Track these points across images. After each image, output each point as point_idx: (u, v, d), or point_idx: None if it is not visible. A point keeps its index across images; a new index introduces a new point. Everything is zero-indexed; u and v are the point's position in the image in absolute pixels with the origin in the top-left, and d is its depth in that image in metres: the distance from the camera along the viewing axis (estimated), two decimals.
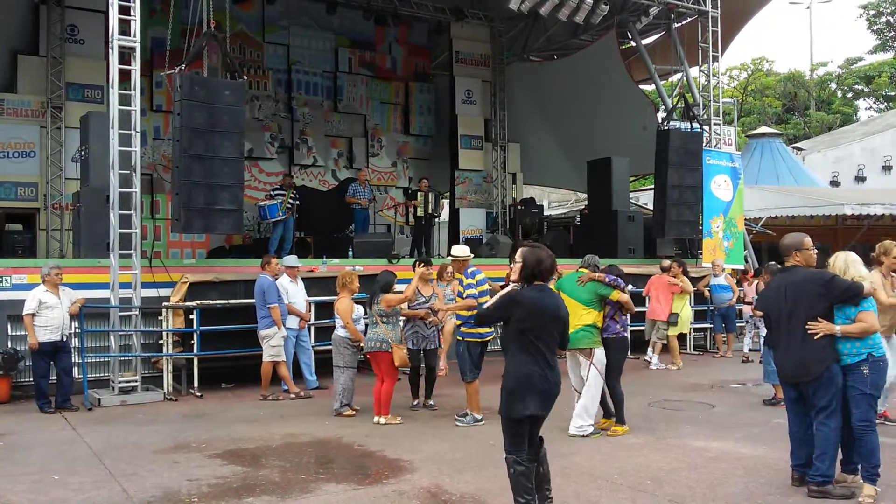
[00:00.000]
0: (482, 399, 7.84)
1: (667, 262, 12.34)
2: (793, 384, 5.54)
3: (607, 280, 7.25)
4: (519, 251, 4.88)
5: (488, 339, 8.01)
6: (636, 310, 8.45)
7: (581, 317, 7.09)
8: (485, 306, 4.99)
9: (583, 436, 7.12)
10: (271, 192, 13.71)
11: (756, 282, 12.47)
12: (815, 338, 5.30)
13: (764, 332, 12.65)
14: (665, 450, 6.76)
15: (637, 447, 6.86)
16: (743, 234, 15.38)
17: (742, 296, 13.19)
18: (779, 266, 13.11)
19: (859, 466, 5.38)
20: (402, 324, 8.18)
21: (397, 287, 8.22)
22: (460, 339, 7.98)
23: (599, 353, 7.23)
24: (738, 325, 13.58)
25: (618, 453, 6.59)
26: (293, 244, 13.63)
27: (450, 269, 8.66)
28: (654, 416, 8.07)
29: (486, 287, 7.83)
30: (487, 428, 7.58)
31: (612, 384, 7.41)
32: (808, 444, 5.57)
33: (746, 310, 12.69)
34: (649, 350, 12.00)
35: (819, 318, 5.32)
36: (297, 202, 13.71)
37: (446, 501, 5.35)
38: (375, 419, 7.83)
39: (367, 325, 8.24)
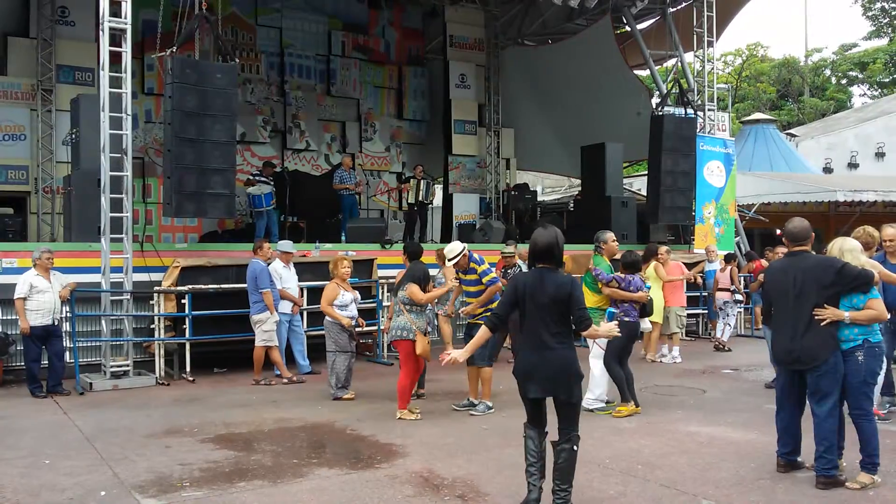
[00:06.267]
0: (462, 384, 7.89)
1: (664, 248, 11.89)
2: (795, 371, 5.46)
3: (594, 272, 7.66)
4: None
5: None
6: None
7: (587, 298, 7.28)
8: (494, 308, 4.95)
9: (590, 409, 7.34)
10: (252, 178, 13.47)
11: (729, 267, 12.43)
12: (822, 324, 5.24)
13: (733, 320, 12.59)
14: (656, 434, 6.78)
15: (629, 432, 6.88)
16: (735, 221, 15.41)
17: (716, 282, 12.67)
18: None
19: (860, 456, 5.33)
20: (427, 314, 7.82)
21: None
22: (482, 323, 7.81)
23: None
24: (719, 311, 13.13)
25: (609, 438, 6.61)
26: (279, 231, 13.54)
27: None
28: (646, 401, 8.08)
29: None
30: (472, 414, 7.62)
31: (609, 363, 7.58)
32: (795, 433, 5.57)
33: (722, 296, 12.49)
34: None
35: (825, 305, 5.26)
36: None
37: (438, 486, 5.37)
38: (398, 414, 7.49)
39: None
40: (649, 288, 8.38)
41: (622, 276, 7.73)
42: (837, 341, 5.28)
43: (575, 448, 4.66)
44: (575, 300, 4.63)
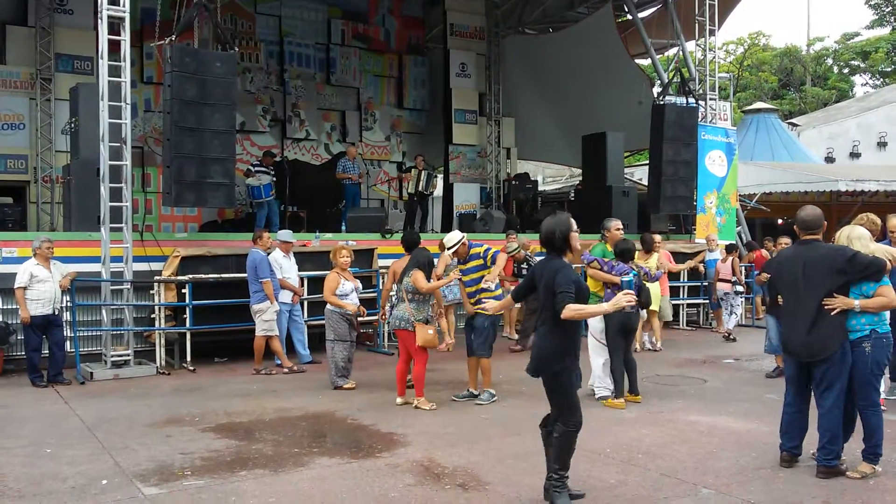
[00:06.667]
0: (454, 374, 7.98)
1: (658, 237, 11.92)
2: (803, 362, 5.39)
3: (581, 255, 7.73)
4: None
5: None
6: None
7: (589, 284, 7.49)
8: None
9: (596, 397, 7.59)
10: (252, 169, 13.39)
11: (730, 258, 12.43)
12: (832, 314, 5.17)
13: (739, 310, 12.64)
14: (657, 424, 6.78)
15: (629, 421, 6.88)
16: (736, 210, 15.38)
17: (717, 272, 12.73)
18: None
19: (861, 446, 5.31)
20: (431, 302, 7.73)
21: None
22: (484, 311, 7.57)
23: (593, 321, 7.65)
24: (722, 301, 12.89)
25: (610, 427, 6.61)
26: (279, 221, 13.51)
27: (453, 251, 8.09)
28: (647, 391, 8.08)
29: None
30: (478, 404, 7.62)
31: (612, 354, 7.60)
32: (802, 426, 5.50)
33: (723, 287, 12.51)
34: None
35: (834, 294, 5.18)
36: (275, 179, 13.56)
37: (439, 475, 5.37)
38: (398, 400, 7.55)
39: (393, 303, 7.94)
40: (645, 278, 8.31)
41: (605, 259, 7.72)
42: (846, 332, 5.21)
43: (562, 436, 4.65)
44: (556, 284, 4.57)
